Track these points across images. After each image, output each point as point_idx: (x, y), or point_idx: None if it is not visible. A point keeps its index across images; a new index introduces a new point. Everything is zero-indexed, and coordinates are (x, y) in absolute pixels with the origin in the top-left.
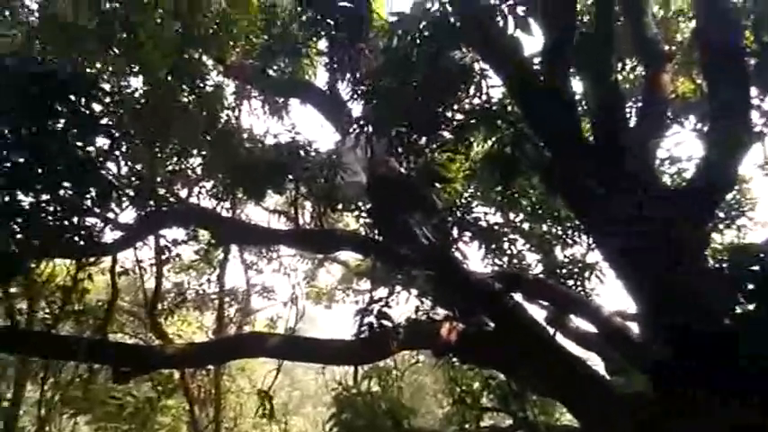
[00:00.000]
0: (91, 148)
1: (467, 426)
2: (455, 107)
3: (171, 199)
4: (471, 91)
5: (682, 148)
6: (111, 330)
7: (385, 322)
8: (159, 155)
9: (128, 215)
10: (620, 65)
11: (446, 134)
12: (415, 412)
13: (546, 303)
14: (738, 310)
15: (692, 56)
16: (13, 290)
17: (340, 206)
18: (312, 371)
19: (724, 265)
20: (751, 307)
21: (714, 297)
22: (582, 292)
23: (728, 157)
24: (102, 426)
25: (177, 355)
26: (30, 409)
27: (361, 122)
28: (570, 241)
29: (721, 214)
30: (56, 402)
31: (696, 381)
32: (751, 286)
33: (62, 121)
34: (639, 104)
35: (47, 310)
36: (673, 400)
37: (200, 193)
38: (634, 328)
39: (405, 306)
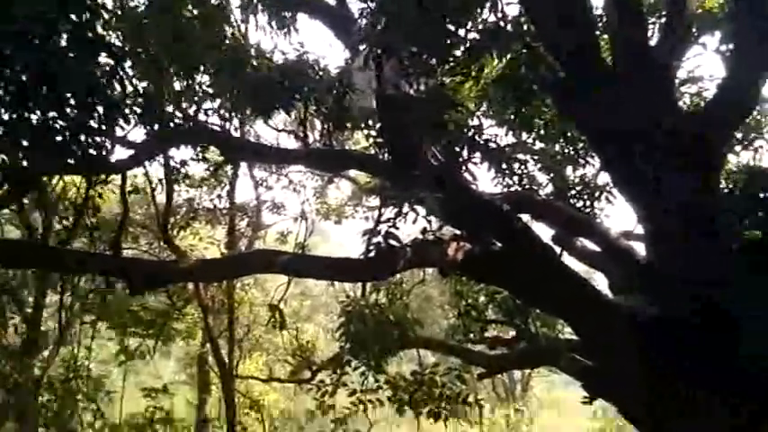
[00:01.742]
0: (95, 68)
1: (471, 337)
2: (468, 26)
3: (179, 117)
4: (486, 9)
5: (704, 67)
6: (125, 245)
7: (392, 242)
8: (165, 73)
9: (136, 134)
10: None
11: (458, 54)
12: (421, 323)
13: (554, 223)
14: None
15: None
16: (27, 204)
17: (349, 125)
18: (323, 282)
19: (737, 187)
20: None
21: (724, 221)
22: (590, 213)
23: (751, 78)
24: (121, 331)
25: (190, 269)
26: (52, 315)
27: (371, 41)
28: (582, 162)
29: (738, 135)
30: (76, 309)
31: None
32: (760, 213)
33: (63, 38)
34: (662, 20)
35: (60, 226)
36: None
37: (207, 111)
38: (640, 249)
39: (413, 226)
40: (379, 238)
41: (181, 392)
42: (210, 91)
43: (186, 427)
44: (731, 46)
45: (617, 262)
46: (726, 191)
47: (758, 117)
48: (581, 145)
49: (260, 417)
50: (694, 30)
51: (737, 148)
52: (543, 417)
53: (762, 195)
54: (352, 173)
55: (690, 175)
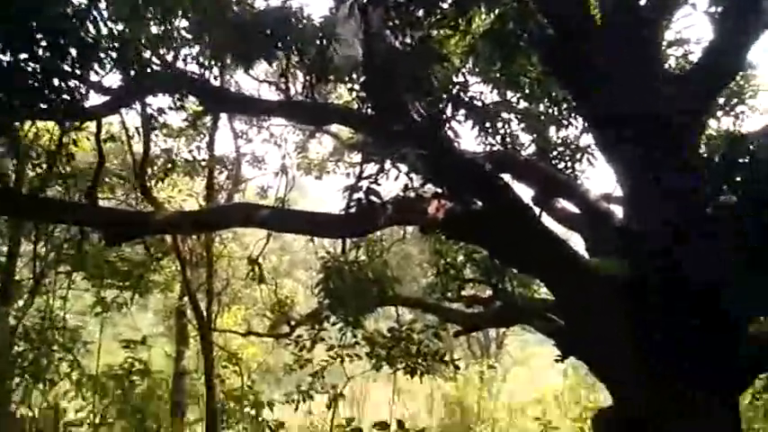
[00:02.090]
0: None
1: (449, 295)
2: None
3: (156, 63)
4: None
5: (691, 29)
6: (101, 195)
7: (373, 198)
8: (141, 15)
9: (112, 79)
10: None
11: (446, 6)
12: (399, 281)
13: (534, 184)
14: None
15: None
16: None
17: (332, 78)
18: (302, 238)
19: (716, 153)
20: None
21: (702, 185)
22: (571, 175)
23: (738, 42)
24: (98, 282)
25: (167, 221)
26: (26, 264)
27: None
28: (565, 122)
29: (721, 100)
30: (51, 259)
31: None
32: (738, 178)
33: None
34: None
35: (33, 174)
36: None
37: (186, 57)
38: (618, 212)
39: (394, 183)
40: (360, 195)
41: (159, 345)
42: (189, 36)
43: (164, 379)
44: (720, 8)
45: (595, 224)
46: (705, 156)
47: (741, 82)
48: (565, 105)
49: (238, 370)
50: None
51: (719, 113)
52: (516, 374)
53: (741, 161)
54: (335, 127)
55: (670, 138)
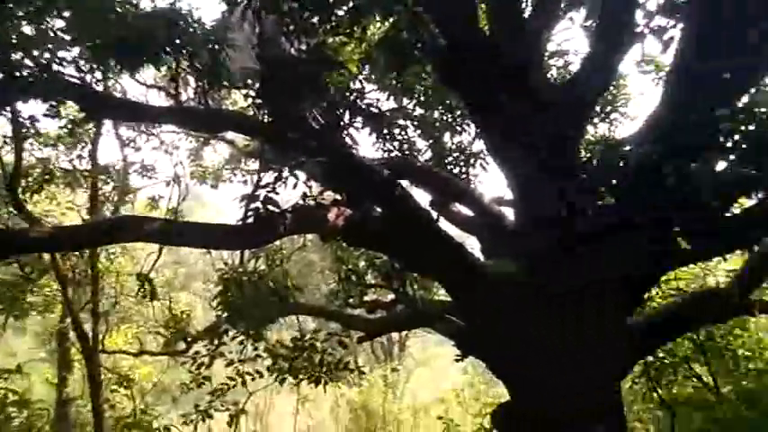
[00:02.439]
0: None
1: (351, 301)
2: None
3: (29, 66)
4: None
5: (570, 41)
6: None
7: (272, 208)
8: (11, 13)
9: None
10: None
11: (341, 14)
12: (301, 290)
13: (432, 189)
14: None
15: None
16: None
17: (226, 84)
18: (198, 249)
19: (594, 158)
20: (613, 200)
21: (583, 189)
22: (466, 180)
23: (609, 54)
24: None
25: (45, 237)
26: None
27: None
28: (459, 129)
29: (597, 108)
30: None
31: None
32: (614, 181)
33: None
34: None
35: None
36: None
37: (63, 60)
38: (510, 214)
39: (293, 191)
40: (258, 204)
41: (39, 371)
42: (67, 38)
43: (46, 409)
44: (594, 22)
45: (488, 227)
46: (584, 160)
47: (614, 92)
48: (458, 112)
49: (129, 393)
50: (563, 4)
51: (595, 120)
52: (419, 374)
53: (617, 164)
54: (230, 134)
55: (552, 143)
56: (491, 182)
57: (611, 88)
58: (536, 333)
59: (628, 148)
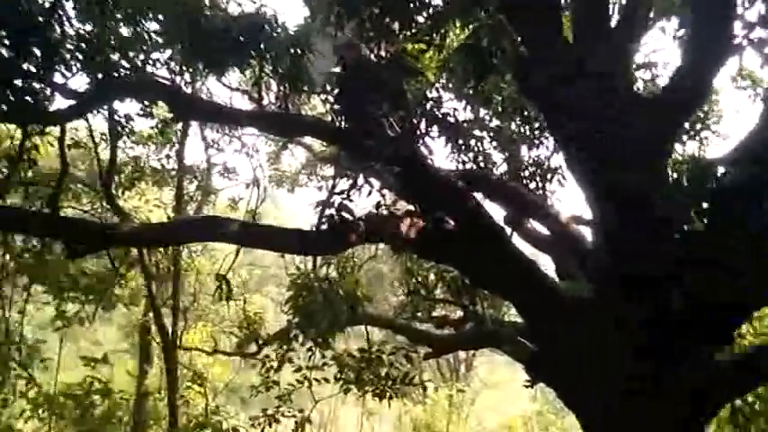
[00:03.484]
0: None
1: (419, 315)
2: None
3: (125, 67)
4: None
5: (660, 53)
6: (65, 204)
7: (345, 215)
8: (110, 15)
9: (78, 82)
10: None
11: (421, 20)
12: (370, 300)
13: (506, 204)
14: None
15: None
16: None
17: (306, 89)
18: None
19: (683, 178)
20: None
21: (669, 211)
22: (542, 195)
23: (704, 67)
24: (58, 295)
25: (134, 233)
26: None
27: (332, 1)
28: (536, 142)
29: (686, 125)
30: (9, 269)
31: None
32: (704, 204)
33: None
34: (623, 2)
35: None
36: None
37: (156, 62)
38: (588, 234)
39: (367, 199)
40: (333, 211)
41: (121, 362)
42: (160, 40)
43: (126, 399)
44: (687, 32)
45: (565, 246)
46: (671, 180)
47: (705, 108)
48: (537, 125)
49: (203, 390)
50: (652, 14)
51: (684, 137)
52: (485, 396)
53: (707, 186)
54: (308, 139)
55: (638, 160)
56: (569, 199)
57: (703, 104)
58: (611, 364)
59: (721, 169)
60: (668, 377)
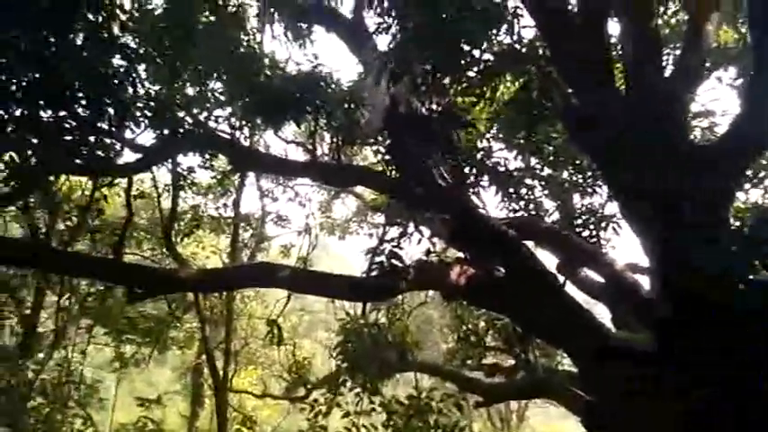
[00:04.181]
0: (108, 69)
1: (469, 362)
2: (483, 47)
3: (189, 123)
4: (502, 30)
5: (717, 101)
6: (128, 250)
7: (395, 262)
8: (178, 76)
9: (145, 137)
10: (661, 8)
11: (472, 74)
12: (420, 346)
13: (558, 252)
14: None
15: (738, 4)
16: (32, 203)
17: (358, 140)
18: (323, 298)
19: (745, 227)
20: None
21: (730, 260)
22: (595, 243)
23: (764, 115)
24: (117, 337)
25: (191, 279)
26: (49, 316)
27: (386, 57)
28: (589, 190)
29: (748, 172)
30: (73, 312)
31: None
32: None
33: (79, 37)
34: (678, 52)
35: (63, 227)
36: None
37: (218, 118)
38: (644, 283)
39: (417, 247)
40: (383, 258)
41: (174, 403)
42: (222, 98)
43: None
44: (746, 80)
45: (620, 295)
46: (733, 229)
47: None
48: (589, 173)
49: None
50: (708, 63)
51: (746, 185)
52: None
53: None
54: (359, 189)
55: (691, 210)
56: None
57: (765, 151)
58: (670, 419)
59: None
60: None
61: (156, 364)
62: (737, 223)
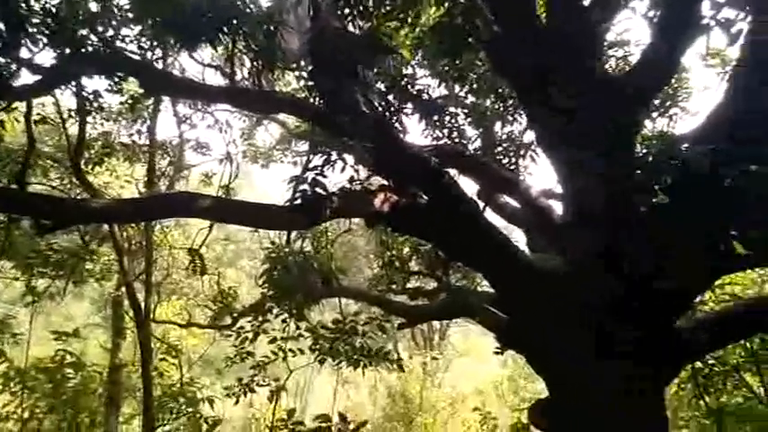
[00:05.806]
0: None
1: (394, 287)
2: None
3: (93, 42)
4: None
5: (631, 32)
6: (34, 180)
7: (319, 190)
8: None
9: (44, 57)
10: None
11: None
12: (345, 272)
13: (479, 179)
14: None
15: None
16: None
17: (280, 65)
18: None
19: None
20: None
21: (636, 186)
22: (515, 171)
23: (673, 45)
24: (28, 271)
25: (104, 209)
26: None
27: None
28: (510, 118)
29: (656, 101)
30: None
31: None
32: (668, 180)
33: None
34: None
35: None
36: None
37: (126, 38)
38: (558, 208)
39: (340, 175)
40: (306, 186)
41: (94, 336)
42: (130, 15)
43: (99, 372)
44: (657, 12)
45: (536, 220)
46: (640, 155)
47: (675, 85)
48: (510, 102)
49: (177, 362)
50: None
51: (654, 114)
52: (458, 364)
53: (672, 162)
54: (282, 116)
55: (609, 136)
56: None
57: (673, 81)
58: (577, 334)
59: (685, 145)
60: (634, 341)
61: (74, 297)
62: (644, 150)
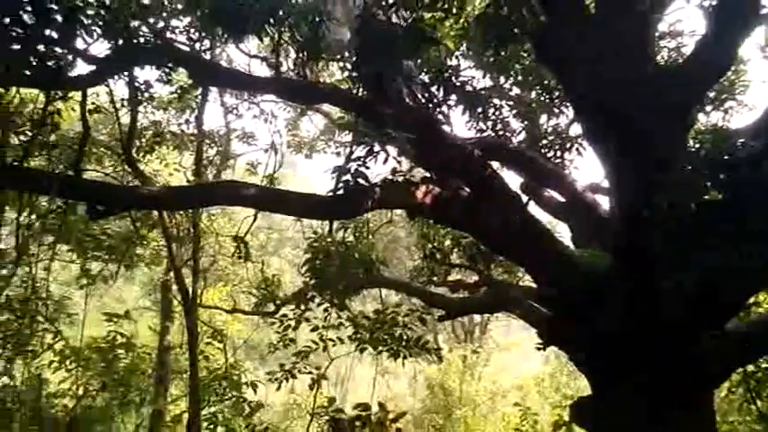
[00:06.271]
0: None
1: (434, 279)
2: None
3: (145, 34)
4: None
5: (684, 22)
6: (88, 167)
7: (361, 181)
8: None
9: (99, 48)
10: None
11: None
12: (386, 263)
13: (523, 172)
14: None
15: None
16: None
17: (324, 56)
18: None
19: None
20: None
21: (687, 181)
22: (559, 164)
23: (730, 36)
24: (82, 254)
25: (153, 196)
26: (10, 233)
27: None
28: (556, 111)
29: (711, 94)
30: (34, 229)
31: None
32: (722, 175)
33: None
34: None
35: (17, 141)
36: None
37: (176, 29)
38: (604, 203)
39: (383, 166)
40: (349, 176)
41: (144, 318)
42: (180, 7)
43: (148, 353)
44: (713, 1)
45: (581, 214)
46: (692, 150)
47: (732, 77)
48: (556, 94)
49: (222, 346)
50: None
51: (708, 107)
52: (499, 359)
53: (726, 157)
54: (326, 106)
55: (660, 131)
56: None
57: (729, 74)
58: (623, 329)
59: (741, 140)
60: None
61: (125, 281)
62: (697, 145)
